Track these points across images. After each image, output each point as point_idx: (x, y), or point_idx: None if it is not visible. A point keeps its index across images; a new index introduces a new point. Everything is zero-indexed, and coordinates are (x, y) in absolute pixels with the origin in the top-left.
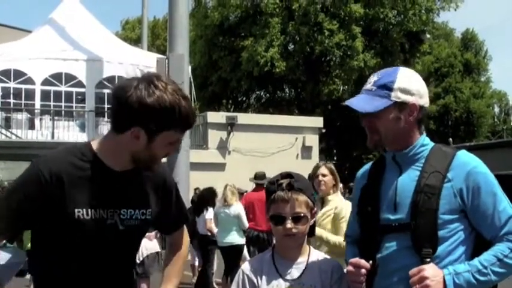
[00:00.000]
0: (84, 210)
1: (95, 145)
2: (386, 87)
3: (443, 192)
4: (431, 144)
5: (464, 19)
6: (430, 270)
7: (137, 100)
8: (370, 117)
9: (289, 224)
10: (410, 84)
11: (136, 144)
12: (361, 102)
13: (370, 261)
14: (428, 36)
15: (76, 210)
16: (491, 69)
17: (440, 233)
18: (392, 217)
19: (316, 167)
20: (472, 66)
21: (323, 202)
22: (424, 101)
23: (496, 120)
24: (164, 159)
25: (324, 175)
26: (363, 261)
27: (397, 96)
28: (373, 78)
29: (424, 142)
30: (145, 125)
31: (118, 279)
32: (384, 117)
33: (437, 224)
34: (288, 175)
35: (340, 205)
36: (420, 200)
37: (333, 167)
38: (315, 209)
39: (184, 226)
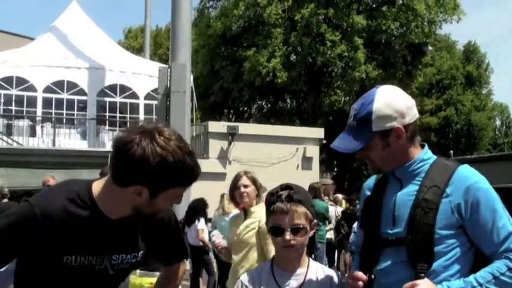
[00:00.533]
0: (73, 257)
1: (96, 191)
2: (365, 120)
3: (440, 207)
4: (433, 158)
5: (466, 32)
6: (423, 285)
7: (140, 160)
8: (361, 151)
9: (288, 236)
10: (388, 108)
11: (139, 200)
12: (345, 143)
13: (368, 274)
14: (430, 48)
15: (65, 257)
16: (492, 82)
17: (437, 248)
18: (390, 231)
19: (237, 177)
20: (473, 79)
21: (246, 214)
22: (409, 118)
23: (497, 133)
24: None
25: (245, 186)
26: (360, 274)
27: (377, 126)
28: (352, 112)
29: (424, 157)
30: (148, 184)
31: None
32: (372, 148)
33: (434, 239)
34: (287, 187)
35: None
36: (417, 214)
37: (254, 175)
38: (315, 221)
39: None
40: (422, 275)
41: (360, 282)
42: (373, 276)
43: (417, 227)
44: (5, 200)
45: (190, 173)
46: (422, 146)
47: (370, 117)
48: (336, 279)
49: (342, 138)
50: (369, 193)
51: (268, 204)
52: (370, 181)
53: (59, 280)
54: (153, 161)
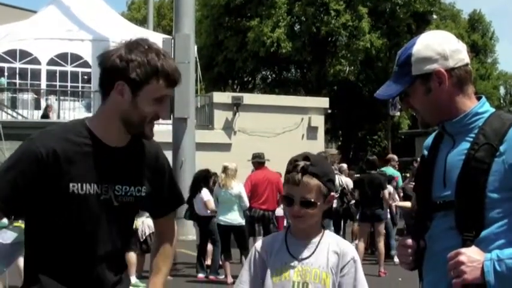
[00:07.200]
0: (79, 184)
1: (89, 121)
2: (406, 64)
3: (493, 168)
4: (491, 111)
5: (471, 0)
6: (468, 253)
7: (119, 57)
8: (404, 99)
9: (296, 207)
10: (428, 50)
11: (122, 103)
12: (385, 89)
13: (418, 241)
14: (435, 17)
15: (71, 184)
16: (498, 51)
17: (488, 213)
18: (441, 194)
19: None
20: (478, 48)
21: None
22: (454, 61)
23: (502, 102)
24: (169, 139)
25: None
26: (409, 241)
27: (417, 69)
28: (397, 58)
29: (479, 110)
30: (127, 77)
31: (111, 255)
32: (414, 94)
33: (485, 203)
34: (305, 157)
35: None
36: (466, 175)
37: None
38: (332, 193)
39: (174, 221)
40: (469, 242)
41: (409, 250)
42: (423, 242)
43: (466, 189)
44: None
45: (168, 68)
46: (479, 99)
47: (410, 60)
48: (348, 249)
49: (385, 85)
50: (426, 152)
51: (286, 172)
52: (429, 139)
53: (67, 218)
54: (130, 55)
